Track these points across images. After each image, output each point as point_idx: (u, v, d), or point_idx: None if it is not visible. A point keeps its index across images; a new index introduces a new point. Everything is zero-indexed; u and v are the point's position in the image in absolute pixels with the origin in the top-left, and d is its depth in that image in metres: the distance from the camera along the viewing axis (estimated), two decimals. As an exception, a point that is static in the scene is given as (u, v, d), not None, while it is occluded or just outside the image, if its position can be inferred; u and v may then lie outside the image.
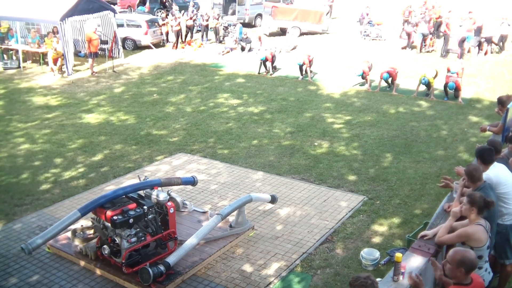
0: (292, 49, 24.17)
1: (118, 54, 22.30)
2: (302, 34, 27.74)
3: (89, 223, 8.16)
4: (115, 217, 7.14)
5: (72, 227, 7.92)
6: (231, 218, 8.56)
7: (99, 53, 20.84)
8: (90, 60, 20.03)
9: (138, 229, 7.39)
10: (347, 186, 10.29)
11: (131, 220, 7.21)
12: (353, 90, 17.65)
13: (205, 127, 13.84)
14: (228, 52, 23.99)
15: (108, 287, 7.25)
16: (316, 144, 12.60)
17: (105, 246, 7.44)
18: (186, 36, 25.80)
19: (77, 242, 7.94)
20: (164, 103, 16.31)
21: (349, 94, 17.08)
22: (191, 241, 7.54)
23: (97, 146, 12.53)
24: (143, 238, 7.38)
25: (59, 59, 19.72)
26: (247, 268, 7.63)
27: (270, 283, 7.26)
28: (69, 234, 8.14)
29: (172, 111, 15.47)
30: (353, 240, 8.37)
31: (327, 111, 15.22)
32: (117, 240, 7.26)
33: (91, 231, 8.09)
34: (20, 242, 8.27)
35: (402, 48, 24.16)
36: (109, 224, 7.24)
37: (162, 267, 7.00)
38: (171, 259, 7.22)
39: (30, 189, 10.23)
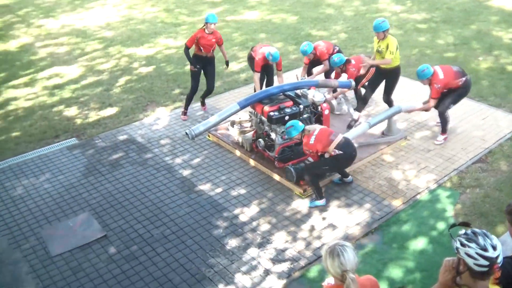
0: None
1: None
2: None
3: (247, 117, 8.55)
4: (272, 113, 7.39)
5: (231, 118, 8.40)
6: (384, 126, 8.46)
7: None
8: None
9: (292, 127, 7.60)
10: (509, 106, 9.55)
11: (286, 117, 7.42)
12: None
13: (366, 32, 13.44)
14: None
15: (260, 178, 7.66)
16: (480, 58, 11.70)
17: (260, 139, 7.78)
18: None
19: (234, 133, 8.41)
20: (326, 4, 16.00)
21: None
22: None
23: (258, 43, 12.78)
24: (296, 136, 7.59)
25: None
26: (396, 177, 7.59)
27: (417, 194, 7.19)
28: (228, 125, 8.63)
29: (334, 13, 15.16)
30: (509, 163, 7.87)
31: (496, 25, 13.87)
32: (272, 135, 7.55)
33: (248, 124, 8.49)
34: (185, 127, 8.98)
35: None
36: (266, 119, 7.53)
37: (303, 164, 7.19)
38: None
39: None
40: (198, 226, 6.64)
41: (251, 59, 9.17)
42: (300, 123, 6.89)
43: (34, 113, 9.71)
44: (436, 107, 8.21)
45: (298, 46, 12.46)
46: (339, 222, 6.65)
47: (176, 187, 7.47)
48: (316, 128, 6.85)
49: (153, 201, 7.17)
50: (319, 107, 7.78)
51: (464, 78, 7.93)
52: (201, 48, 8.89)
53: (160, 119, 9.40)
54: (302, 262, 6.00)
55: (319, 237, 6.39)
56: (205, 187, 7.45)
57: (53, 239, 6.46)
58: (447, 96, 8.06)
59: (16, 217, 6.92)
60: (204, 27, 8.79)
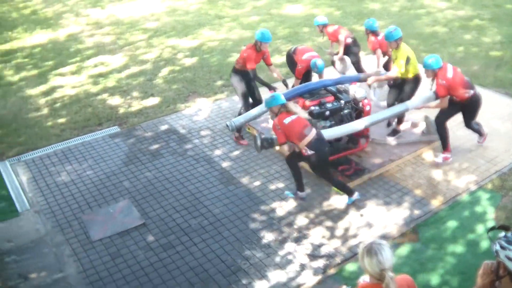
0: None
1: None
2: None
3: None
4: (312, 108, 7.39)
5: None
6: (423, 125, 8.32)
7: None
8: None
9: (332, 122, 7.57)
10: (561, 108, 9.27)
11: (327, 113, 7.41)
12: None
13: (410, 28, 13.19)
14: None
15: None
16: (529, 57, 11.39)
17: (300, 134, 7.77)
18: None
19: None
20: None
21: None
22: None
23: (301, 37, 12.76)
24: (336, 132, 7.53)
25: None
26: (435, 176, 7.47)
27: (457, 195, 7.06)
28: (268, 118, 8.61)
29: (378, 8, 14.97)
30: (560, 166, 7.65)
31: (551, 22, 13.48)
32: (312, 130, 7.52)
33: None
34: (226, 119, 9.04)
35: None
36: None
37: (273, 136, 6.80)
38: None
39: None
40: (235, 218, 6.70)
41: (290, 57, 9.14)
42: (282, 97, 6.67)
43: (79, 100, 9.94)
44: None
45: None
46: (376, 220, 6.60)
47: (215, 178, 7.54)
48: (297, 112, 6.55)
49: (191, 192, 7.26)
50: (360, 103, 7.72)
51: (471, 91, 7.40)
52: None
53: (201, 110, 9.49)
54: (338, 259, 5.99)
55: (355, 235, 6.36)
56: (243, 179, 7.50)
57: (94, 225, 6.63)
58: (463, 114, 7.72)
59: (59, 201, 7.12)
60: (258, 45, 8.15)
